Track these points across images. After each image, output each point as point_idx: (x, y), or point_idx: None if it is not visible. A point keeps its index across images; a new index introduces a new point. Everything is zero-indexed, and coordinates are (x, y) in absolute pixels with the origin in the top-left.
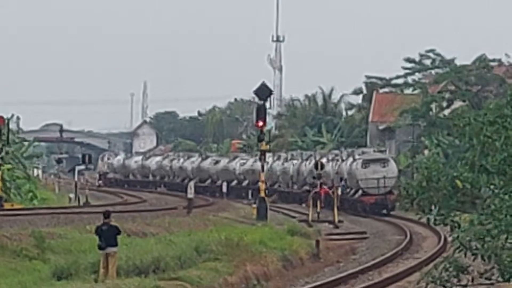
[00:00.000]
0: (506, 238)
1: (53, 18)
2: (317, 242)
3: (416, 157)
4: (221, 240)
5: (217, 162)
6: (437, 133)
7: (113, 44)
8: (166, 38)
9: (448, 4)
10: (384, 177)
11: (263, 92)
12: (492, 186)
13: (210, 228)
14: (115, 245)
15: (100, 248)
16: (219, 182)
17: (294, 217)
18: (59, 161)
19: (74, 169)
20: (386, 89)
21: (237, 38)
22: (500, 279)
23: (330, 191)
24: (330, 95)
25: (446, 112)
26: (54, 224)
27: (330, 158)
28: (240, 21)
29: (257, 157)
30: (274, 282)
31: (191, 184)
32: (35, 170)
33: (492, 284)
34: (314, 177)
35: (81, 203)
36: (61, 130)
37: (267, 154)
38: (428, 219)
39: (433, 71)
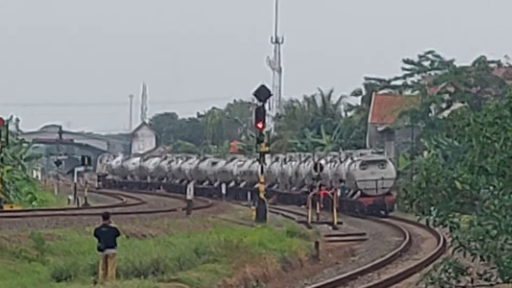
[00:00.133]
0: (506, 239)
1: (53, 18)
2: (316, 243)
3: (415, 159)
4: (220, 242)
5: (214, 163)
6: (436, 135)
7: (113, 44)
8: (166, 38)
9: (448, 4)
10: (382, 178)
11: (262, 93)
12: (491, 187)
13: (209, 230)
14: (114, 246)
15: (99, 249)
16: (216, 184)
17: (293, 218)
18: (58, 162)
19: (73, 171)
20: (385, 91)
21: (237, 39)
22: (499, 280)
23: (329, 193)
24: (329, 97)
25: (445, 113)
26: (53, 225)
27: (328, 159)
28: (240, 21)
29: (255, 159)
30: (273, 284)
31: (191, 185)
32: (34, 171)
33: (491, 285)
34: (313, 179)
35: (80, 205)
36: (60, 132)
37: (266, 156)
38: (428, 220)
39: (432, 73)
